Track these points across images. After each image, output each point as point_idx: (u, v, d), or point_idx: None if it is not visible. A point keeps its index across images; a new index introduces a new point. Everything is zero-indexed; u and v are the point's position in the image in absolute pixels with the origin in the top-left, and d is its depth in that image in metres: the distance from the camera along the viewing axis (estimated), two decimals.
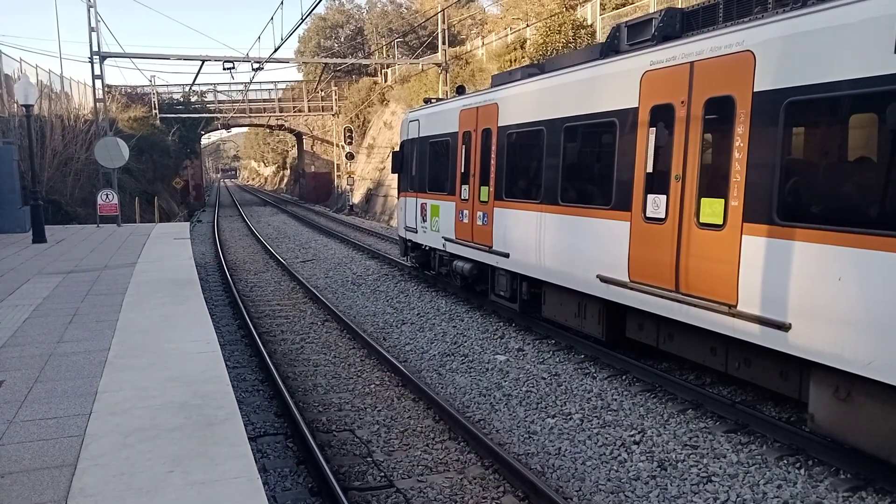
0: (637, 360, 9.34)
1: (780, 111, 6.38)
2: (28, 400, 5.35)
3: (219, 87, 54.52)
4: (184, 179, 45.38)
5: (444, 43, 30.26)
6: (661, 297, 7.89)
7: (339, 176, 49.17)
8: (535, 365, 9.82)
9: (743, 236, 6.78)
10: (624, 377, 9.14)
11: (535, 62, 14.76)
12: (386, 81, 46.70)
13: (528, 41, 29.57)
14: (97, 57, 24.62)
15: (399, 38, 48.59)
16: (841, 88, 5.85)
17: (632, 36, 8.90)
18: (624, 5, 27.85)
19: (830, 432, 6.25)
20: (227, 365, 9.81)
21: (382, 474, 6.63)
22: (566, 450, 7.04)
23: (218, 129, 61.51)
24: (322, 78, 50.11)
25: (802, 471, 6.44)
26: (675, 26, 8.29)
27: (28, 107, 15.47)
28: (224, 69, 27.58)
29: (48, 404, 5.25)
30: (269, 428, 7.81)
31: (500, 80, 12.42)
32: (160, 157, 37.46)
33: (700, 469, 6.54)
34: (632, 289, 8.37)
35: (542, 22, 27.15)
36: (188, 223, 25.21)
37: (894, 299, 5.44)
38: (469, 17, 48.18)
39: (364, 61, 44.36)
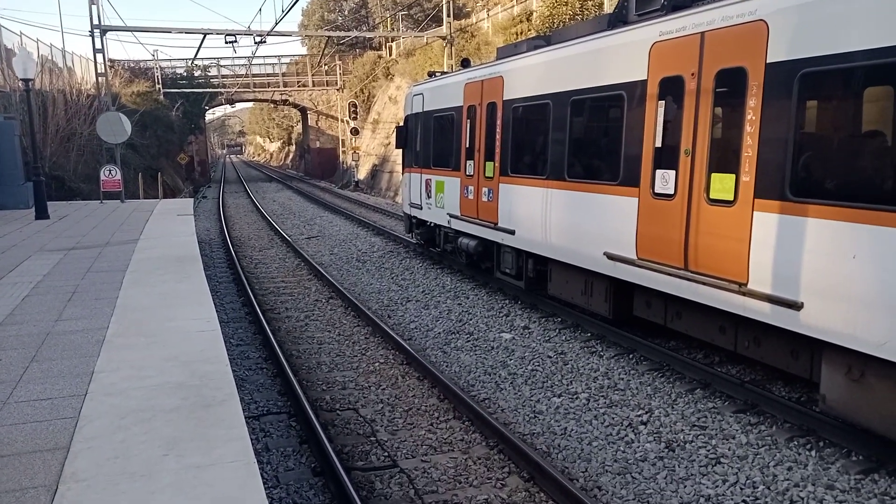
0: (644, 338, 9.20)
1: (794, 83, 6.18)
2: (23, 380, 5.25)
3: (222, 62, 54.12)
4: (188, 155, 45.23)
5: (448, 15, 29.82)
6: (670, 274, 7.72)
7: (344, 152, 48.86)
8: (541, 343, 9.70)
9: (754, 213, 6.60)
10: (631, 356, 9.01)
11: (542, 34, 14.43)
12: (391, 55, 46.20)
13: (534, 13, 29.10)
14: (98, 30, 24.33)
15: (404, 10, 47.95)
16: (857, 59, 5.66)
17: (641, 6, 8.63)
18: None
19: (842, 413, 6.12)
20: (230, 343, 9.82)
21: (386, 454, 6.54)
22: (572, 430, 6.93)
23: (222, 104, 61.16)
24: (326, 52, 49.63)
25: (813, 452, 6.31)
26: None
27: (27, 81, 15.27)
28: (226, 43, 27.33)
29: (43, 384, 5.15)
30: (273, 407, 7.72)
31: (506, 52, 12.13)
32: (164, 133, 37.22)
33: (709, 450, 6.42)
34: (640, 266, 8.20)
35: None
36: (192, 199, 25.09)
37: None
38: None
39: (368, 34, 43.83)
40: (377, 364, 9.05)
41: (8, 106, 21.71)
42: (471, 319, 11.01)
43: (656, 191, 7.90)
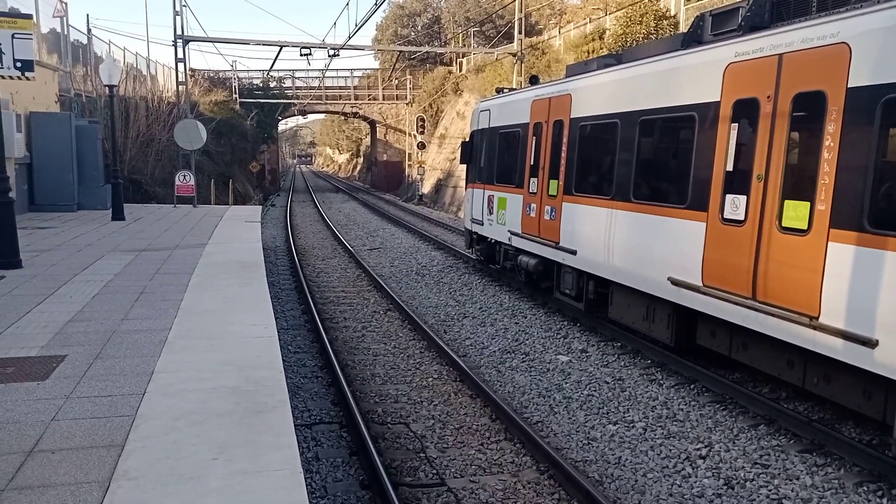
0: (707, 368, 8.88)
1: (877, 109, 5.93)
2: (87, 376, 5.42)
3: (296, 74, 55.52)
4: (260, 164, 46.50)
5: (520, 32, 29.84)
6: (737, 303, 7.46)
7: (410, 165, 49.35)
8: (599, 368, 9.49)
9: (829, 243, 6.32)
10: (692, 386, 8.71)
11: (613, 53, 14.28)
12: (460, 71, 46.53)
13: (607, 31, 28.84)
14: (181, 41, 25.31)
15: (475, 26, 48.28)
16: None
17: (716, 25, 8.47)
18: None
19: None
20: (288, 349, 9.96)
21: (434, 472, 6.48)
22: (627, 459, 6.72)
23: (295, 115, 62.67)
24: (397, 66, 50.31)
25: (885, 500, 5.94)
26: (764, 16, 7.78)
27: (111, 87, 15.98)
28: (301, 55, 28.03)
29: (105, 381, 5.30)
30: (325, 416, 7.77)
31: (575, 70, 12.05)
32: (238, 141, 38.38)
33: (770, 490, 6.12)
34: (705, 293, 7.96)
35: (622, 11, 26.39)
36: (261, 207, 25.72)
37: None
38: (547, 5, 47.43)
39: (439, 49, 44.30)
40: (430, 379, 9.01)
41: (93, 110, 22.76)
42: (527, 339, 10.87)
43: (725, 216, 7.67)
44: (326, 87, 56.08)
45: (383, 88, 55.68)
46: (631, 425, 7.55)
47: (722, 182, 7.74)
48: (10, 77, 10.34)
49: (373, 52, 57.44)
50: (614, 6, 30.93)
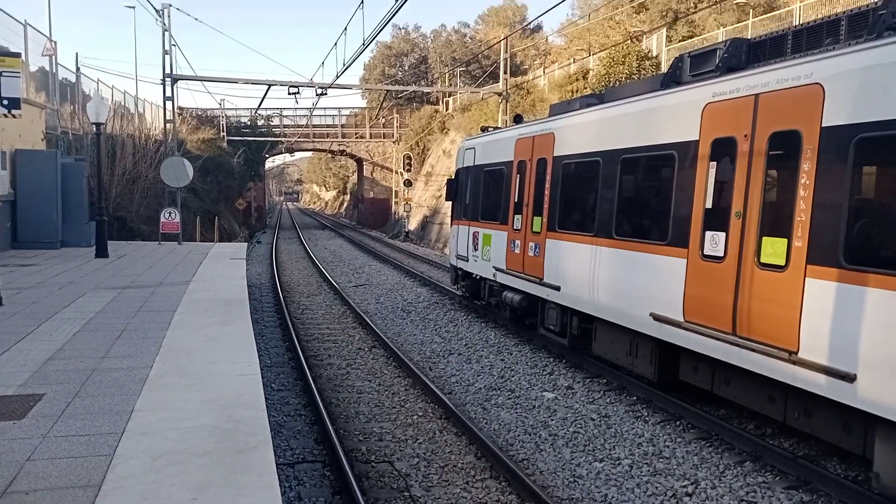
0: (692, 405, 8.87)
1: (850, 148, 6.06)
2: (64, 415, 5.33)
3: (284, 112, 55.91)
4: (246, 201, 46.46)
5: (505, 72, 30.32)
6: (718, 339, 7.51)
7: (396, 202, 49.55)
8: (585, 405, 9.45)
9: (806, 279, 6.41)
10: (678, 423, 8.69)
11: (595, 93, 14.55)
12: (447, 110, 47.07)
13: (591, 72, 29.37)
14: (169, 79, 25.47)
15: (462, 66, 49.00)
16: None
17: (695, 66, 8.67)
18: (691, 37, 27.47)
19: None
20: (271, 387, 9.86)
21: None
22: (613, 497, 6.67)
23: (282, 153, 62.92)
24: (384, 105, 50.83)
25: None
26: (741, 57, 8.01)
27: (98, 125, 16.01)
28: (289, 94, 28.27)
29: (83, 420, 5.21)
30: (308, 455, 7.66)
31: (558, 109, 12.25)
32: (225, 179, 38.40)
33: None
34: (686, 329, 8.00)
35: (605, 52, 26.92)
36: (246, 244, 25.65)
37: None
38: (532, 46, 48.28)
39: (426, 89, 44.83)
40: (415, 417, 8.93)
41: (80, 148, 22.76)
42: (513, 376, 10.82)
43: (706, 252, 7.75)
44: (314, 125, 56.52)
45: (370, 127, 56.16)
46: (617, 462, 7.50)
47: (702, 219, 7.84)
48: None
49: (360, 90, 58.13)
50: (597, 47, 31.58)
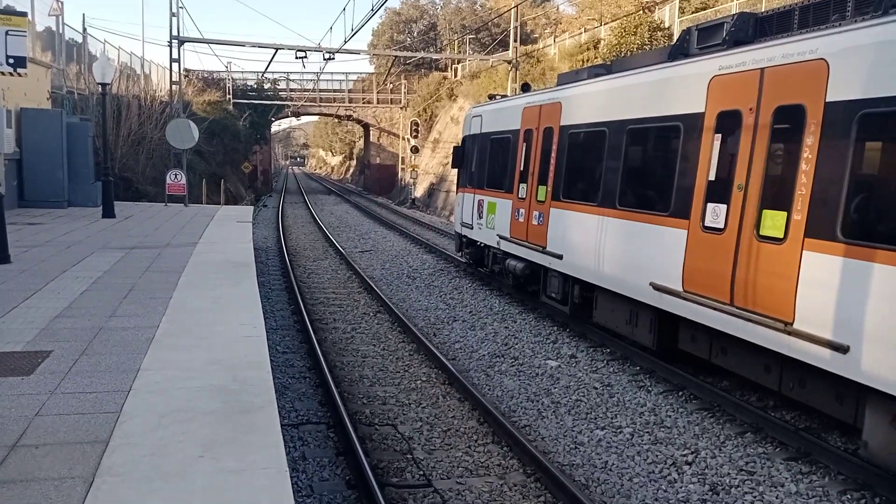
0: (695, 376, 8.92)
1: (853, 123, 6.11)
2: (72, 372, 5.38)
3: (291, 76, 55.44)
4: (252, 164, 46.35)
5: (515, 40, 29.93)
6: (716, 309, 7.62)
7: (403, 169, 49.36)
8: (588, 373, 9.50)
9: (804, 251, 6.51)
10: (680, 393, 8.73)
11: (604, 63, 14.43)
12: (455, 77, 46.63)
13: (602, 41, 28.99)
14: (176, 41, 25.25)
15: (471, 34, 48.40)
16: None
17: (702, 39, 8.66)
18: (704, 8, 27.02)
19: (885, 462, 6.01)
20: (276, 349, 9.93)
21: (421, 473, 6.47)
22: (613, 464, 6.73)
23: (288, 117, 62.57)
24: (392, 70, 50.35)
25: None
26: (748, 31, 7.99)
27: (104, 85, 15.91)
28: (296, 58, 28.01)
29: (90, 378, 5.26)
30: (312, 416, 7.75)
31: (566, 79, 12.22)
32: (231, 141, 38.28)
33: (755, 497, 6.14)
34: (685, 299, 8.11)
35: (617, 22, 26.53)
36: (252, 207, 25.64)
37: None
38: (543, 15, 47.61)
39: (435, 56, 44.40)
40: (419, 382, 9.00)
41: (85, 108, 22.66)
42: (517, 344, 10.87)
43: (706, 224, 7.84)
44: (321, 90, 56.11)
45: (378, 92, 55.72)
46: (618, 431, 7.56)
47: (704, 191, 7.93)
48: (2, 73, 10.27)
49: (368, 56, 57.56)
50: (609, 17, 31.11)
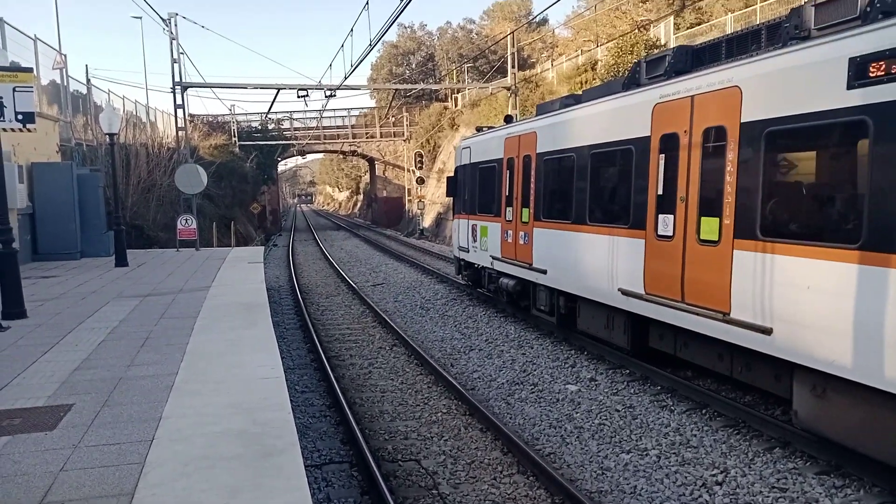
0: (717, 392, 8.81)
1: (762, 139, 7.16)
2: (94, 424, 5.38)
3: (294, 115, 56.08)
4: (261, 205, 46.69)
5: (513, 66, 30.18)
6: (671, 307, 8.62)
7: (409, 200, 49.56)
8: (609, 396, 9.41)
9: (734, 251, 7.52)
10: (704, 411, 8.63)
11: (573, 94, 15.13)
12: (456, 106, 46.99)
13: (599, 62, 29.20)
14: (179, 87, 25.60)
15: (469, 62, 48.89)
16: (808, 119, 6.59)
17: (650, 70, 9.71)
18: (699, 24, 27.23)
19: (811, 426, 6.81)
20: (295, 389, 9.89)
21: None
22: (642, 488, 6.63)
23: (294, 156, 63.14)
24: (393, 104, 50.84)
25: None
26: (687, 62, 9.09)
27: (111, 135, 16.11)
28: (298, 97, 28.30)
29: (113, 429, 5.25)
30: (335, 455, 7.69)
31: (543, 109, 13.23)
32: (238, 183, 38.59)
33: None
34: (647, 300, 9.12)
35: (613, 42, 26.75)
36: (263, 247, 25.75)
37: (846, 305, 6.12)
38: (539, 39, 48.08)
39: (434, 86, 44.80)
40: (440, 414, 8.93)
41: (94, 159, 22.94)
42: (535, 370, 10.80)
43: (659, 233, 8.90)
44: (324, 127, 56.65)
45: (380, 126, 56.20)
46: (644, 453, 7.46)
47: (655, 204, 8.98)
48: (12, 129, 10.44)
49: (369, 91, 58.20)
50: (605, 37, 31.39)
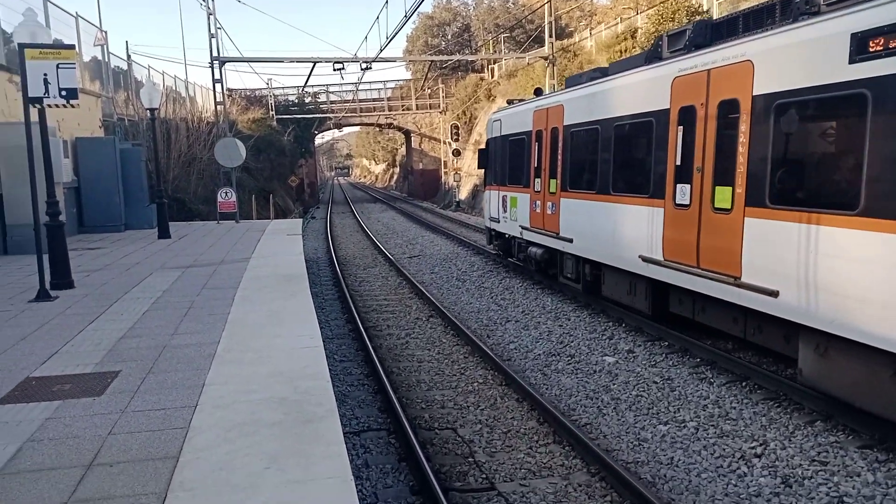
0: (759, 365, 8.70)
1: (772, 111, 7.49)
2: (140, 390, 5.54)
3: (330, 88, 56.10)
4: (299, 178, 47.03)
5: (550, 35, 29.70)
6: (688, 272, 9.07)
7: (445, 173, 49.47)
8: (647, 368, 9.35)
9: (745, 218, 7.93)
10: (744, 384, 8.53)
11: (601, 67, 15.36)
12: (492, 77, 46.53)
13: (639, 30, 28.57)
14: (217, 62, 25.80)
15: (506, 32, 48.25)
16: (814, 92, 6.91)
17: (671, 44, 10.01)
18: None
19: (814, 384, 7.23)
20: (333, 359, 10.04)
21: (484, 476, 6.46)
22: (679, 460, 6.61)
23: (330, 129, 63.27)
24: (429, 76, 50.53)
25: None
26: (706, 36, 9.34)
27: (152, 110, 16.37)
28: (334, 70, 28.33)
29: (158, 395, 5.41)
30: (373, 423, 7.81)
31: (572, 82, 13.66)
32: (276, 157, 38.94)
33: (830, 488, 5.95)
34: (666, 266, 9.58)
35: (653, 9, 26.11)
36: (301, 220, 26.02)
37: (848, 267, 6.50)
38: (577, 7, 47.18)
39: (470, 57, 44.32)
40: (476, 384, 8.99)
41: (136, 134, 23.35)
42: (572, 342, 10.78)
43: (677, 202, 9.33)
44: (360, 100, 56.57)
45: (416, 98, 55.94)
46: (682, 425, 7.42)
47: (674, 175, 9.39)
48: (57, 105, 10.65)
49: (404, 63, 57.89)
50: (645, 4, 30.64)
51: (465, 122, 47.35)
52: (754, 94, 7.74)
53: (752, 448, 6.76)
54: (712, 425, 7.37)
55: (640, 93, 10.33)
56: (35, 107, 9.84)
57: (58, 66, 11.87)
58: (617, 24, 32.47)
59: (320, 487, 3.83)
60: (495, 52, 46.90)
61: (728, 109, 8.26)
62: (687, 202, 9.05)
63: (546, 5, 31.86)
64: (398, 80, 61.29)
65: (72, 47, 13.04)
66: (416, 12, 20.17)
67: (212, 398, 5.28)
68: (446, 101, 52.98)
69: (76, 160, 17.47)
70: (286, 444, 4.39)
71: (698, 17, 24.34)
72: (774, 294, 7.44)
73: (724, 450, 6.77)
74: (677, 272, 9.29)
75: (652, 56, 10.45)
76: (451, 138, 44.65)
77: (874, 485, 5.95)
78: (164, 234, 16.77)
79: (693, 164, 8.92)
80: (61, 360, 6.50)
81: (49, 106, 10.12)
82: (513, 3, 58.35)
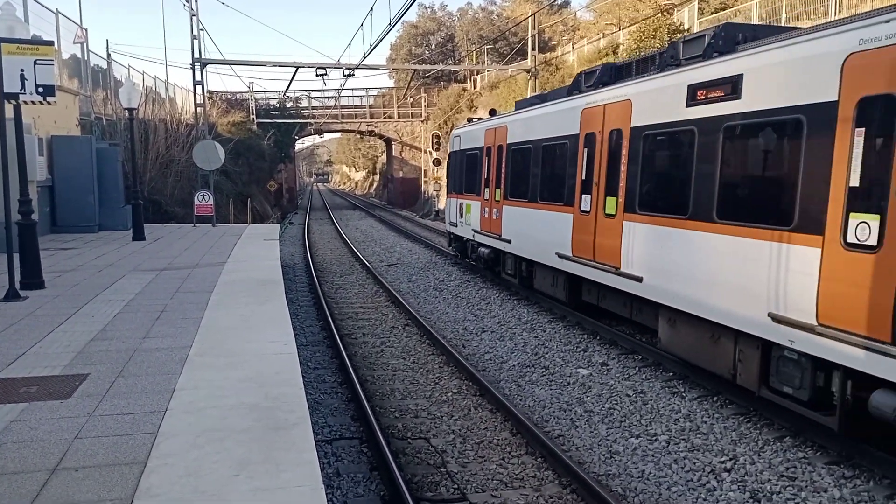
0: (729, 383, 8.78)
1: (640, 139, 9.67)
2: (109, 394, 5.46)
3: (312, 94, 55.94)
4: (277, 182, 46.79)
5: (533, 48, 29.92)
6: (587, 265, 11.13)
7: (425, 181, 49.49)
8: (620, 381, 9.41)
9: (623, 222, 10.03)
10: (715, 398, 8.61)
11: (540, 94, 17.76)
12: (475, 88, 46.72)
13: (621, 46, 28.89)
14: (198, 63, 25.64)
15: (489, 44, 48.52)
16: (666, 127, 9.11)
17: (586, 81, 12.12)
18: (724, 9, 26.82)
19: (667, 348, 9.33)
20: (307, 365, 9.98)
21: (456, 486, 6.44)
22: (650, 473, 6.64)
23: (311, 135, 63.11)
24: (412, 84, 50.60)
25: None
26: (611, 76, 11.44)
27: (131, 110, 16.20)
28: (317, 75, 28.32)
29: (127, 399, 5.33)
30: (346, 431, 7.76)
31: (519, 105, 16.09)
32: (256, 161, 38.68)
33: (797, 503, 6.01)
34: (575, 262, 11.61)
35: (635, 26, 26.42)
36: (279, 225, 25.85)
37: (682, 258, 8.56)
38: (560, 21, 47.60)
39: (454, 67, 44.51)
40: (450, 394, 8.98)
41: (113, 133, 23.08)
42: (547, 353, 10.81)
43: (582, 209, 11.44)
44: (342, 107, 56.48)
45: (398, 106, 56.00)
46: (654, 438, 7.46)
47: (580, 187, 11.50)
48: (33, 102, 10.51)
49: (387, 70, 57.97)
50: (627, 21, 31.00)
51: (447, 132, 47.35)
52: (632, 125, 9.88)
53: (722, 462, 6.82)
54: (683, 439, 7.42)
55: (559, 120, 12.52)
56: (10, 103, 9.69)
57: (35, 62, 11.70)
58: (599, 39, 32.82)
59: (290, 495, 3.80)
60: (478, 62, 47.15)
61: (616, 137, 10.37)
62: (588, 209, 11.18)
63: (530, 18, 32.12)
64: (381, 88, 61.12)
65: (51, 43, 12.87)
66: (400, 21, 20.23)
67: (182, 403, 5.22)
68: (428, 110, 53.08)
69: (51, 158, 17.22)
70: (256, 451, 4.35)
71: (679, 35, 24.67)
72: (640, 280, 9.49)
73: (694, 464, 6.82)
74: (583, 266, 11.32)
75: (573, 89, 12.63)
76: (432, 147, 44.67)
77: (840, 501, 6.03)
78: (138, 235, 16.58)
79: (593, 178, 11.07)
80: (29, 361, 6.39)
81: (25, 102, 9.98)
82: (497, 16, 58.77)
